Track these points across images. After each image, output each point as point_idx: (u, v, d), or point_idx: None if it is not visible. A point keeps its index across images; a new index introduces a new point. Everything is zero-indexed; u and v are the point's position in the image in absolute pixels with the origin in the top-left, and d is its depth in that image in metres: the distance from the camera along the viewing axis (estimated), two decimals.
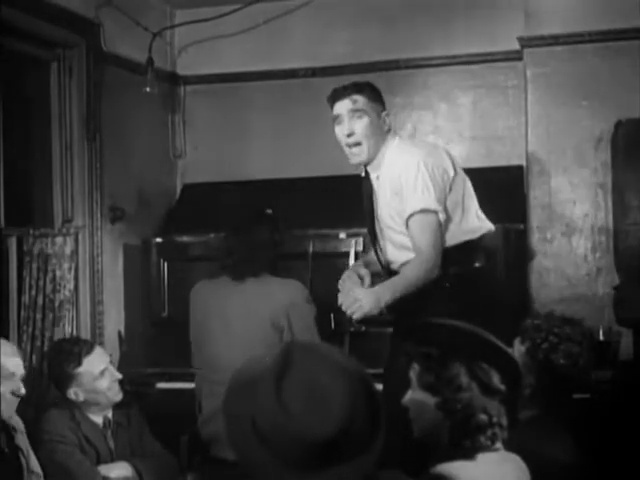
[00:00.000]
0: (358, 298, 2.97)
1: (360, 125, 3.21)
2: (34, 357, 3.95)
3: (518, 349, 2.55)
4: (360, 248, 4.12)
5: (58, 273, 4.10)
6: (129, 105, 4.72)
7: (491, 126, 4.83)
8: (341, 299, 3.04)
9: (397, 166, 3.20)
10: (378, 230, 3.33)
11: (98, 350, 3.23)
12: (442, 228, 3.14)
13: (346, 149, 3.27)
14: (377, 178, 3.29)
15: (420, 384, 2.04)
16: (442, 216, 3.12)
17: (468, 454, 1.96)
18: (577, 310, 3.84)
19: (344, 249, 4.17)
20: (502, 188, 4.39)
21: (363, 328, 3.98)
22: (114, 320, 4.57)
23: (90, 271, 4.37)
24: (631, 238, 4.23)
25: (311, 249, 4.20)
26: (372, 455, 1.53)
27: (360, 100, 3.22)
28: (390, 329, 3.41)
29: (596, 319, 4.10)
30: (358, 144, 3.23)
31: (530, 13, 4.44)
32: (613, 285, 4.29)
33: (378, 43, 4.85)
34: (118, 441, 3.25)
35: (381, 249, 3.34)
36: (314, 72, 4.98)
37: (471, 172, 3.34)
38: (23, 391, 2.73)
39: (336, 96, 3.27)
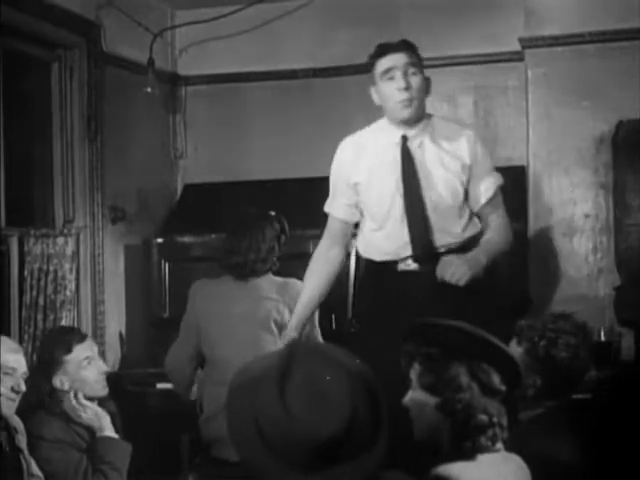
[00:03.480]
0: (459, 264, 2.89)
1: (416, 81, 3.02)
2: (35, 357, 3.94)
3: (515, 351, 2.54)
4: None
5: (59, 273, 4.10)
6: (130, 105, 4.72)
7: (492, 127, 4.82)
8: (441, 272, 2.91)
9: (459, 137, 3.13)
10: (413, 204, 3.06)
11: (89, 341, 3.23)
12: None
13: (394, 106, 3.03)
14: (420, 145, 3.09)
15: (420, 384, 2.04)
16: None
17: (468, 455, 1.96)
18: (578, 311, 3.83)
19: None
20: (503, 188, 4.37)
21: None
22: (115, 320, 4.58)
23: (91, 271, 4.37)
24: (632, 238, 4.23)
25: (311, 249, 4.18)
26: (374, 455, 1.53)
27: (414, 56, 3.05)
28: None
29: (597, 319, 4.10)
30: (411, 100, 3.02)
31: (531, 14, 4.44)
32: (614, 286, 4.29)
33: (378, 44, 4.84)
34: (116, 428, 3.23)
35: (418, 227, 3.06)
36: (314, 73, 4.98)
37: None
38: (23, 387, 2.73)
39: (388, 49, 3.05)
